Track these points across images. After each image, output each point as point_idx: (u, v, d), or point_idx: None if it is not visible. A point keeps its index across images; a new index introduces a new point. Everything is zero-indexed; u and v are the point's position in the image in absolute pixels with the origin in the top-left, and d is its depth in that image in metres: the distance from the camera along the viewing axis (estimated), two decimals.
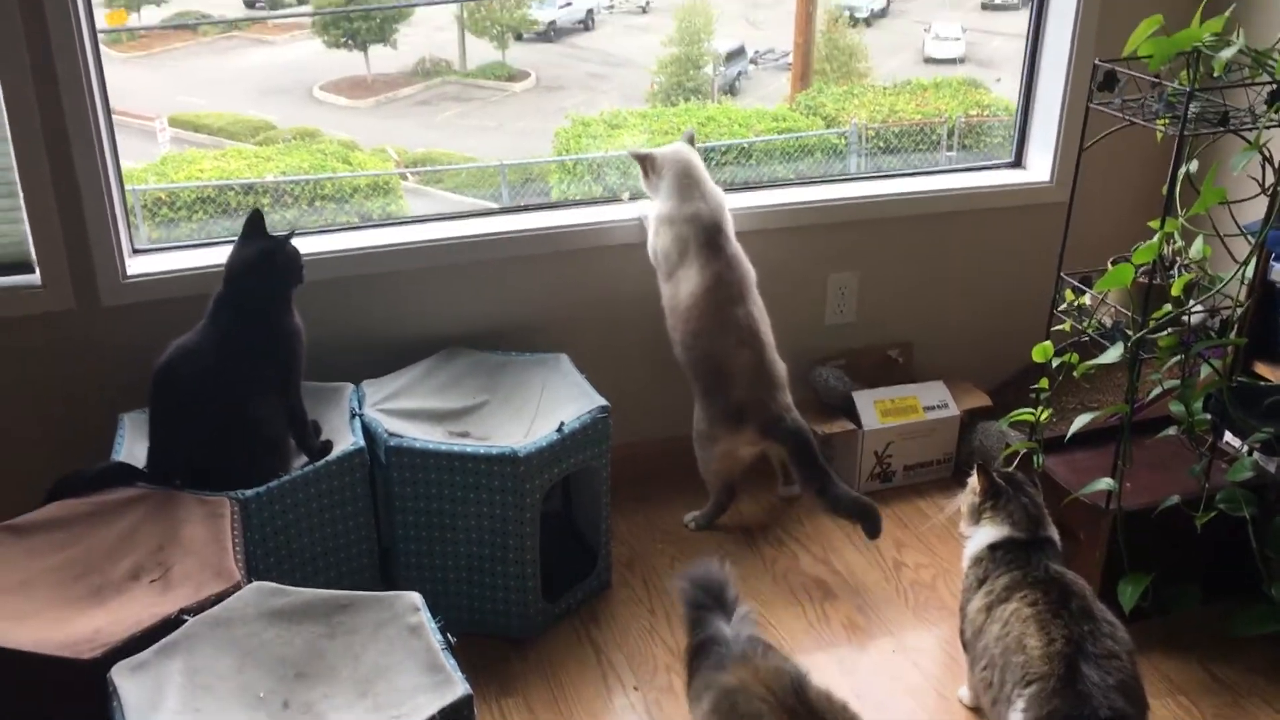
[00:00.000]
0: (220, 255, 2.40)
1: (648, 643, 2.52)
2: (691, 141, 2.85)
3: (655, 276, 2.80)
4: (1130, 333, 2.35)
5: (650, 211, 2.80)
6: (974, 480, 2.27)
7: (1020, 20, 3.24)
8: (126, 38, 5.84)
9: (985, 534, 2.21)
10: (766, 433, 2.73)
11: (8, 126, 2.38)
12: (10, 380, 2.55)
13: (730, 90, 6.37)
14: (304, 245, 2.41)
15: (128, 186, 2.62)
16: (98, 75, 2.43)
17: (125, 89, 2.52)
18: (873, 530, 2.72)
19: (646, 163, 2.78)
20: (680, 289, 2.71)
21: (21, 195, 2.44)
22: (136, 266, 2.58)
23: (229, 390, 2.26)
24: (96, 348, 2.56)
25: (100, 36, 2.46)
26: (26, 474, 2.50)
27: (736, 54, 6.45)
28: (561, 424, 2.43)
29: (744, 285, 2.73)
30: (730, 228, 2.76)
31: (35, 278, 2.50)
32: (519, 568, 2.43)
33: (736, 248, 2.75)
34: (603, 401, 2.52)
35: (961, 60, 6.41)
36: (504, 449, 2.35)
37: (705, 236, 2.69)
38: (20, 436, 2.58)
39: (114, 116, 2.53)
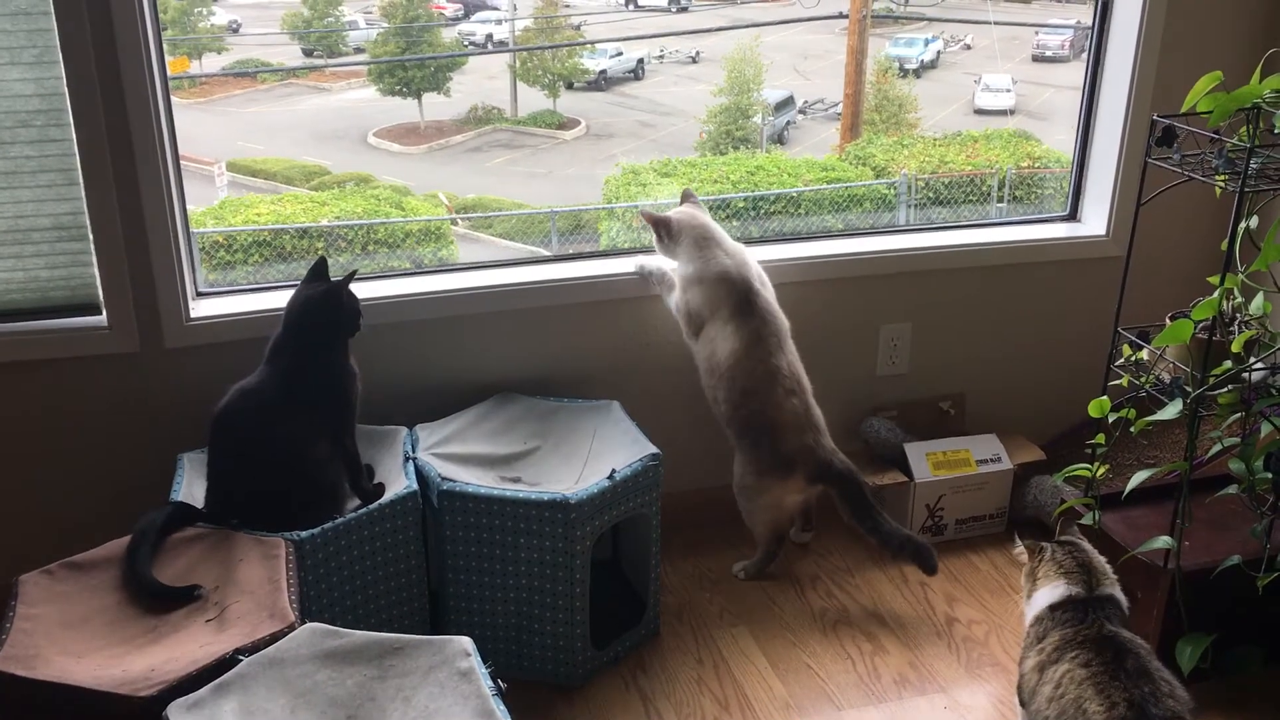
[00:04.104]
0: (282, 299, 2.43)
1: (695, 693, 2.50)
2: (691, 197, 2.85)
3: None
4: (1189, 389, 2.33)
5: (667, 268, 2.80)
6: (1018, 549, 2.27)
7: (1070, 72, 3.25)
8: (188, 84, 6.02)
9: (1043, 597, 2.18)
10: (816, 478, 2.72)
11: (80, 171, 2.44)
12: (74, 419, 2.60)
13: (779, 139, 6.42)
14: (359, 290, 2.44)
15: None
16: (168, 122, 2.49)
17: (186, 134, 2.58)
18: (929, 566, 2.72)
19: (662, 227, 2.74)
20: (717, 348, 2.70)
21: (91, 239, 2.50)
22: (199, 309, 2.63)
23: (286, 433, 2.29)
24: (158, 388, 2.61)
25: None
26: (87, 510, 2.56)
27: (785, 104, 6.52)
28: (613, 471, 2.44)
29: (781, 336, 2.73)
30: (758, 280, 2.75)
31: (102, 319, 2.55)
32: (568, 614, 2.43)
33: (767, 299, 2.74)
34: (654, 449, 2.53)
35: (1012, 112, 6.43)
36: (555, 495, 2.36)
37: (738, 294, 2.69)
38: (82, 473, 2.63)
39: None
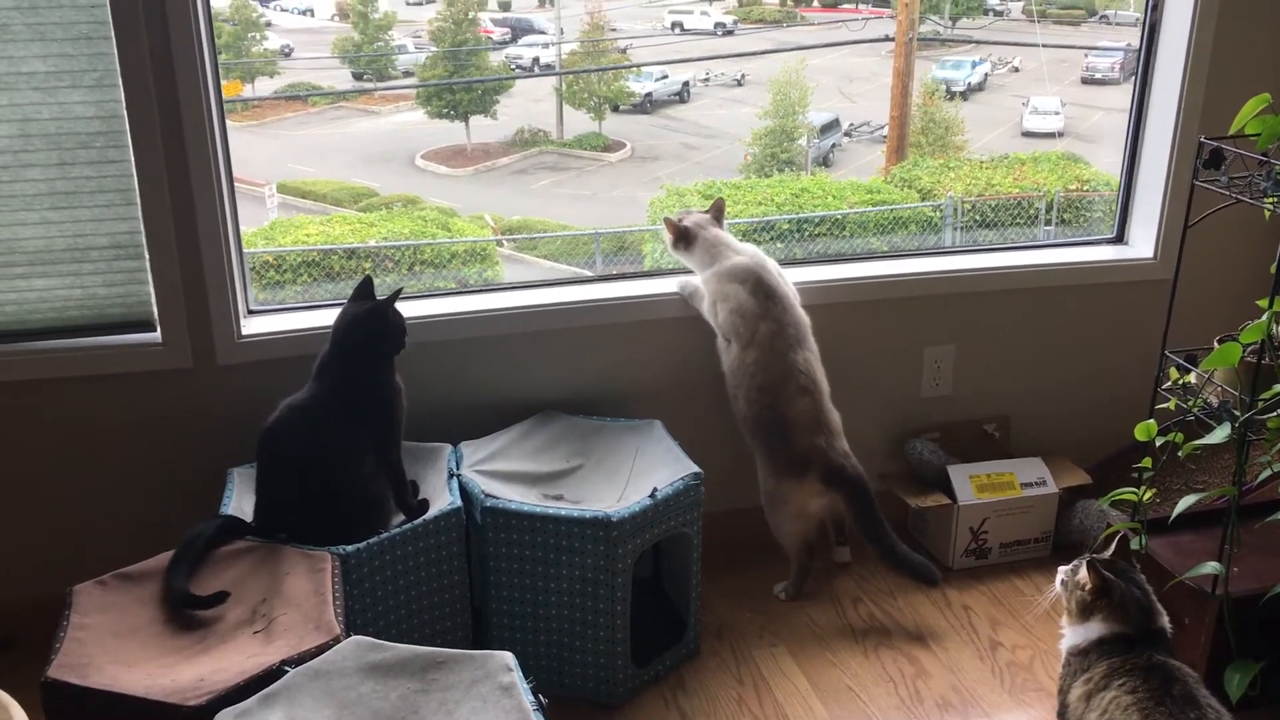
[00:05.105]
0: (330, 317, 2.47)
1: (736, 713, 2.50)
2: (719, 209, 2.92)
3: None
4: (1238, 413, 2.30)
5: (697, 281, 2.84)
6: (1082, 575, 2.19)
7: (1121, 95, 3.24)
8: (241, 108, 6.14)
9: (1095, 629, 2.14)
10: (829, 480, 2.73)
11: (137, 191, 2.51)
12: (128, 433, 2.66)
13: (824, 162, 6.43)
14: (405, 309, 2.48)
15: None
16: (223, 144, 2.55)
17: (238, 156, 2.64)
18: (930, 579, 2.81)
19: (681, 237, 2.83)
20: (749, 349, 2.74)
21: (147, 257, 2.56)
22: (250, 327, 2.68)
23: (334, 449, 2.32)
24: (209, 403, 2.66)
25: None
26: (139, 522, 2.61)
27: (831, 126, 6.53)
28: (654, 489, 2.45)
29: (800, 330, 2.76)
30: (777, 274, 2.79)
31: (156, 336, 2.60)
32: (609, 632, 2.44)
33: (786, 293, 2.77)
34: (695, 468, 2.54)
35: (1060, 134, 6.39)
36: (597, 513, 2.38)
37: (759, 284, 2.74)
38: (135, 486, 2.68)
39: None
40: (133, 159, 2.48)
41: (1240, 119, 2.24)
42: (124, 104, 2.45)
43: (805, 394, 2.72)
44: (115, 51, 2.41)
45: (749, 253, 2.82)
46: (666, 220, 2.86)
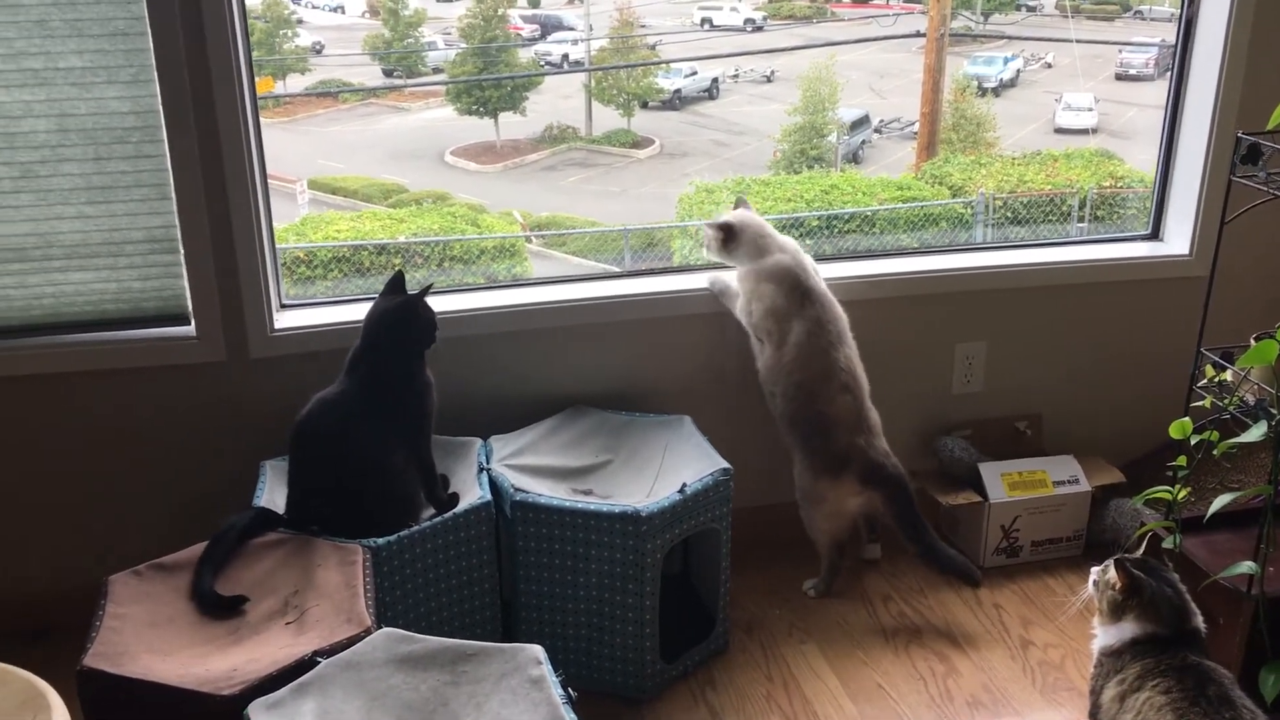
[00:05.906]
0: (360, 311, 2.48)
1: (764, 709, 2.50)
2: (744, 203, 2.91)
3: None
4: (1274, 411, 2.27)
5: (734, 278, 2.83)
6: (1112, 574, 2.17)
7: (1155, 91, 3.21)
8: (272, 104, 6.17)
9: (1127, 629, 2.12)
10: (867, 479, 2.72)
11: (173, 187, 2.53)
12: (161, 425, 2.68)
13: (854, 158, 6.40)
14: (436, 304, 2.49)
15: None
16: (256, 140, 2.57)
17: (269, 153, 2.66)
18: (972, 580, 2.83)
19: (725, 230, 2.79)
20: (781, 342, 2.73)
21: (182, 252, 2.58)
22: (283, 321, 2.70)
23: (365, 442, 2.34)
24: (243, 396, 2.68)
25: None
26: (174, 514, 2.64)
27: (861, 122, 6.49)
28: (684, 485, 2.45)
29: (840, 327, 2.76)
30: (814, 273, 2.79)
31: (191, 329, 2.63)
32: (637, 627, 2.44)
33: (823, 290, 2.77)
34: (725, 464, 2.53)
35: (1094, 131, 6.33)
36: (626, 508, 2.38)
37: (797, 285, 2.73)
38: (169, 478, 2.71)
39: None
40: (168, 154, 2.50)
41: (1278, 114, 2.22)
42: (159, 99, 2.47)
43: (846, 391, 2.71)
44: (151, 47, 2.43)
45: (789, 249, 2.79)
46: (707, 224, 2.82)
